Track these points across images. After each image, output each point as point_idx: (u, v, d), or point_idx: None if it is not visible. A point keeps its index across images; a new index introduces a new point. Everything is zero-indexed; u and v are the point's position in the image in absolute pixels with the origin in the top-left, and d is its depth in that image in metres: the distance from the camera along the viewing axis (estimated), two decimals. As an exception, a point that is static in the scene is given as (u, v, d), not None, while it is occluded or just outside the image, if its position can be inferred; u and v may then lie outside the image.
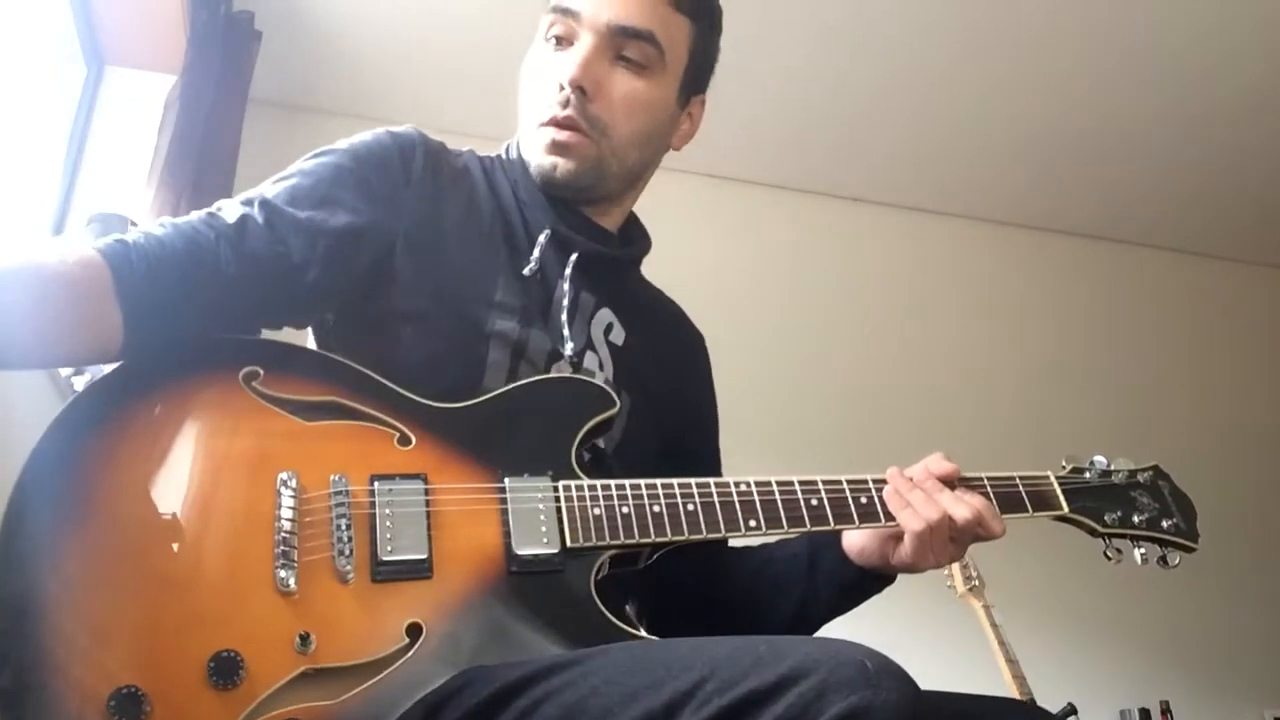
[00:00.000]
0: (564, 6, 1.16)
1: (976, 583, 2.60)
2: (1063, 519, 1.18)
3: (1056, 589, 3.41)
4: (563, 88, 1.14)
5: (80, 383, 2.11)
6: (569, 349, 1.14)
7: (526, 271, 1.15)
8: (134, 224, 2.37)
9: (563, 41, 1.16)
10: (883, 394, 3.72)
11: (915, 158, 3.82)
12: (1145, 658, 3.47)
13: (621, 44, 1.15)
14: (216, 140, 2.74)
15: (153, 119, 2.80)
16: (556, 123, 1.15)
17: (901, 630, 2.54)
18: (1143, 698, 3.34)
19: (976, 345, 3.92)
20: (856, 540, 1.16)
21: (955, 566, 2.65)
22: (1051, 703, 2.45)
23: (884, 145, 3.76)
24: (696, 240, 3.55)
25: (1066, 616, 3.38)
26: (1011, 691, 2.38)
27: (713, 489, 1.05)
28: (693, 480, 1.06)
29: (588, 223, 1.21)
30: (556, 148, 1.16)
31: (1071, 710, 2.50)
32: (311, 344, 1.17)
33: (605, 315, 1.21)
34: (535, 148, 1.17)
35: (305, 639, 0.85)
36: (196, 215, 1.05)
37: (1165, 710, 3.31)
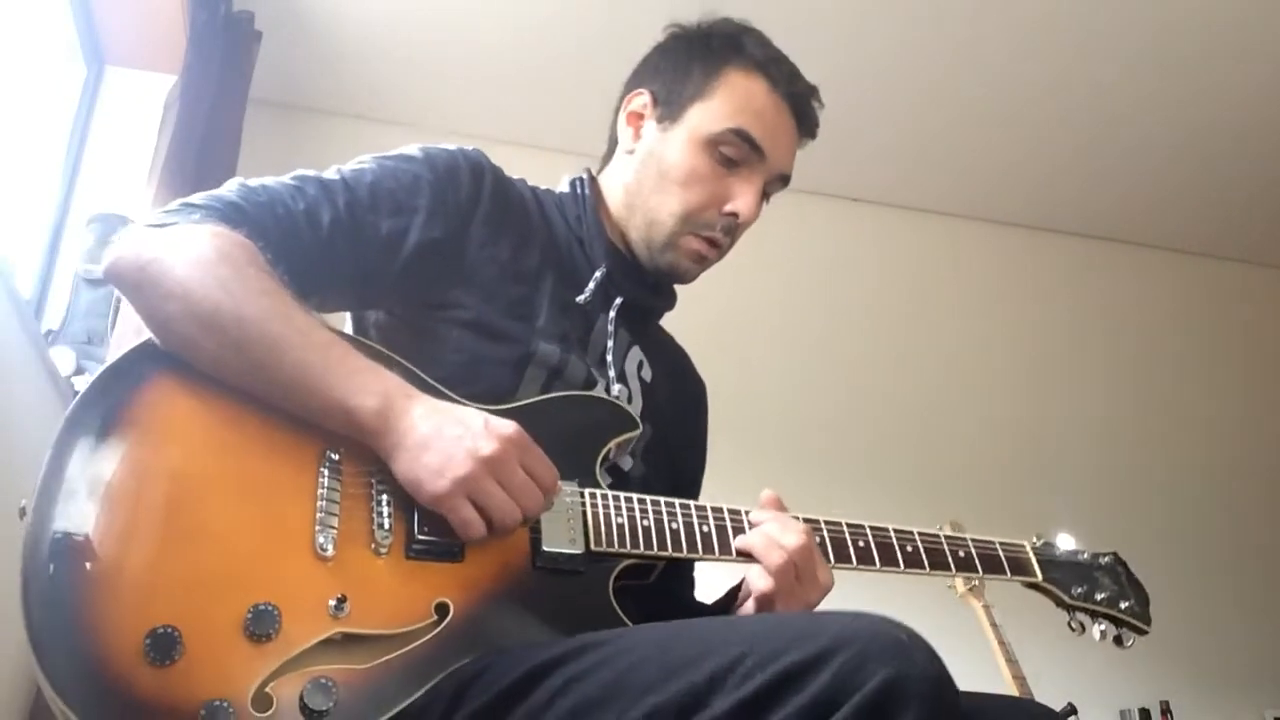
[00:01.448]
0: (755, 142, 1.23)
1: (976, 583, 2.60)
2: (1034, 586, 1.28)
3: (1056, 589, 3.40)
4: (734, 215, 1.24)
5: (80, 382, 2.11)
6: (611, 373, 1.22)
7: (580, 300, 1.23)
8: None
9: (732, 163, 1.23)
10: (881, 393, 3.72)
11: (915, 158, 3.82)
12: (1145, 658, 3.47)
13: (773, 186, 1.29)
14: (216, 140, 2.74)
15: (153, 119, 2.81)
16: (713, 242, 1.26)
17: (901, 630, 2.53)
18: (1143, 698, 3.35)
19: (975, 345, 3.92)
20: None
21: (955, 566, 2.65)
22: (1051, 703, 2.45)
23: (884, 145, 3.76)
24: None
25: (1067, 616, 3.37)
26: (1011, 692, 2.38)
27: (725, 515, 1.11)
28: (707, 504, 1.12)
29: (638, 270, 1.29)
30: (700, 260, 1.27)
31: (1071, 710, 2.50)
32: (348, 327, 1.21)
33: (636, 353, 1.29)
34: (676, 248, 1.25)
35: (341, 603, 0.88)
36: (285, 199, 1.07)
37: (1165, 710, 3.31)
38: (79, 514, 0.85)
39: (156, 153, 2.67)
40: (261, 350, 0.94)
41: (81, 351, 2.21)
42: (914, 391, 3.75)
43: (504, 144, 3.54)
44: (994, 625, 2.53)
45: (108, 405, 0.91)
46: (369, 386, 0.95)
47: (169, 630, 0.81)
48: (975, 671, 2.26)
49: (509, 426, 0.97)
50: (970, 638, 2.55)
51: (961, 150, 3.76)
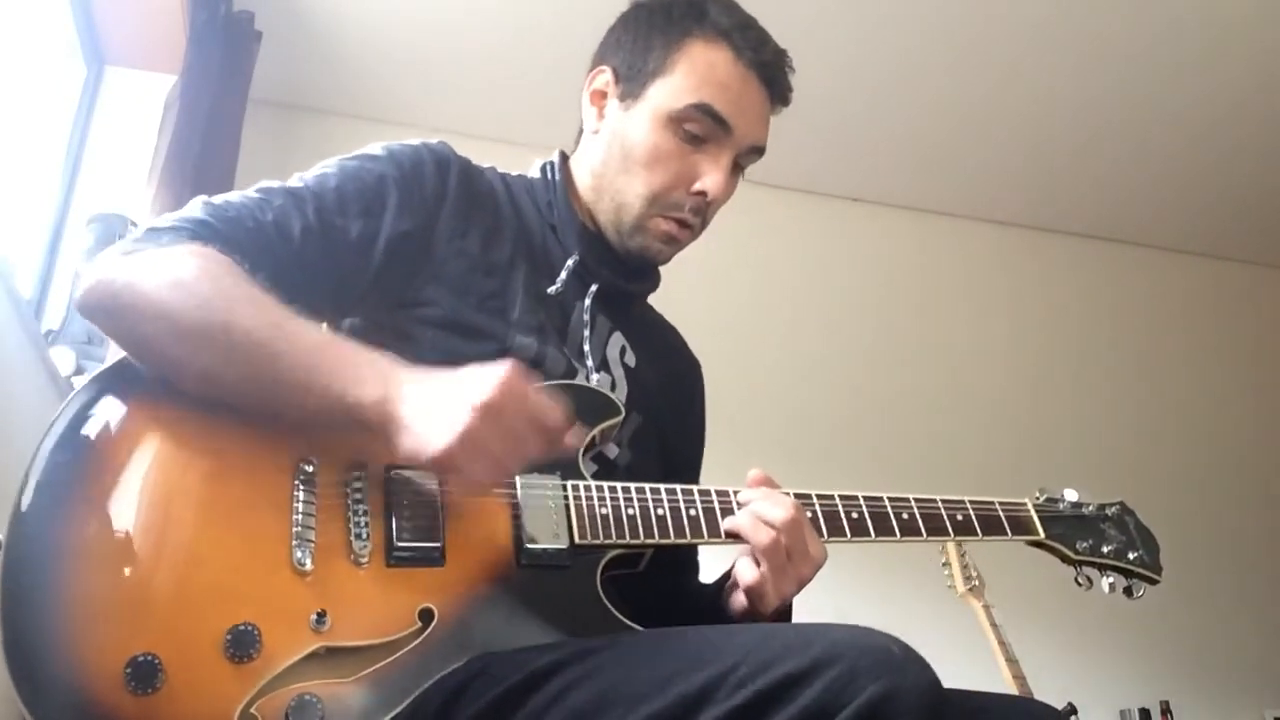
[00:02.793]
0: (720, 117, 1.18)
1: (976, 583, 2.60)
2: (1038, 544, 1.24)
3: (1056, 589, 3.39)
4: (703, 195, 1.20)
5: (79, 382, 2.10)
6: (590, 363, 1.19)
7: (551, 290, 1.20)
8: (134, 224, 2.37)
9: (698, 140, 1.19)
10: (882, 392, 3.72)
11: (915, 158, 3.82)
12: (1145, 658, 3.47)
13: (746, 158, 1.24)
14: (216, 140, 2.74)
15: (153, 119, 2.81)
16: (683, 223, 1.22)
17: (901, 630, 2.52)
18: (1143, 698, 3.34)
19: (975, 344, 3.92)
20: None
21: (955, 566, 2.65)
22: (1051, 703, 2.45)
23: (884, 145, 3.76)
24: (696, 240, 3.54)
25: (1066, 616, 3.37)
26: (1011, 692, 2.38)
27: (714, 497, 1.09)
28: (694, 487, 1.10)
29: (613, 255, 1.25)
30: (671, 241, 1.23)
31: (1071, 710, 2.51)
32: None
33: (618, 339, 1.26)
34: (645, 231, 1.22)
35: (321, 617, 0.87)
36: (254, 211, 1.06)
37: (1165, 710, 3.31)
38: (53, 544, 0.84)
39: (156, 153, 2.67)
40: (254, 359, 0.93)
41: (81, 351, 2.21)
42: (916, 392, 3.75)
43: (504, 144, 3.54)
44: (994, 625, 2.53)
45: (78, 434, 0.90)
46: (367, 378, 0.93)
47: (149, 658, 0.81)
48: (975, 671, 2.26)
49: (502, 370, 0.93)
50: (970, 638, 2.55)
51: (964, 150, 3.76)
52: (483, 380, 0.92)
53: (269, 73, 3.16)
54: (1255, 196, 3.94)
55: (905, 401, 3.72)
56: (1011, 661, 2.47)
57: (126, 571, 0.85)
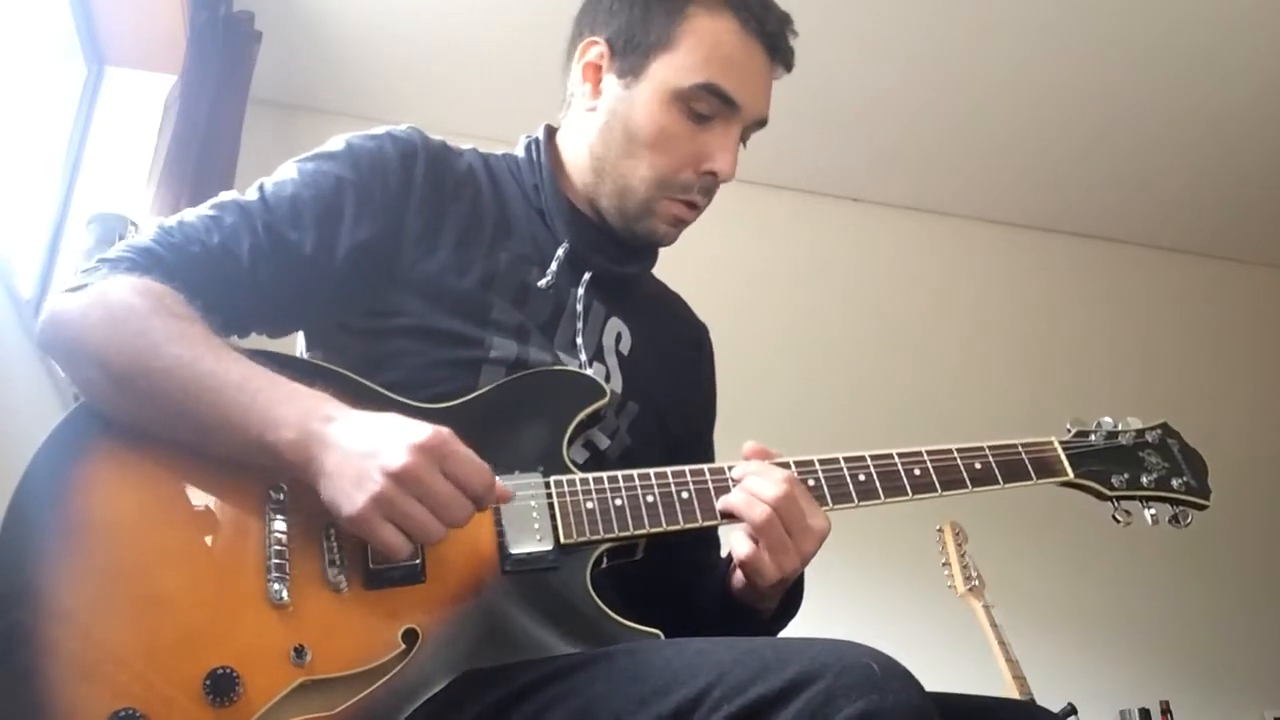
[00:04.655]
0: (727, 95, 1.14)
1: (976, 583, 2.60)
2: (1068, 485, 1.15)
3: (1056, 589, 3.40)
4: (712, 175, 1.16)
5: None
6: (583, 356, 1.14)
7: (542, 284, 1.15)
8: (134, 224, 2.37)
9: (705, 118, 1.14)
10: (882, 393, 3.72)
11: (915, 158, 3.82)
12: (1145, 658, 3.47)
13: (750, 130, 1.20)
14: (216, 140, 2.74)
15: (153, 119, 2.81)
16: (691, 205, 1.18)
17: (901, 630, 2.53)
18: (1143, 698, 3.34)
19: (975, 345, 3.92)
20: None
21: (955, 566, 2.65)
22: (1051, 703, 2.45)
23: (884, 145, 3.76)
24: (696, 239, 3.53)
25: (1066, 616, 3.37)
26: (1011, 691, 2.38)
27: (707, 475, 1.05)
28: (686, 468, 1.05)
29: (606, 239, 1.20)
30: (679, 223, 1.19)
31: (1071, 710, 2.50)
32: (300, 343, 1.17)
33: (615, 324, 1.21)
34: (652, 215, 1.18)
35: (300, 651, 0.85)
36: (201, 235, 1.04)
37: (1165, 710, 3.30)
38: (27, 603, 0.83)
39: (156, 153, 2.68)
40: (175, 400, 0.90)
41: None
42: (916, 393, 3.75)
43: (504, 145, 3.54)
44: (994, 625, 2.53)
45: (48, 485, 0.89)
46: (285, 419, 0.89)
47: (130, 713, 0.80)
48: (975, 671, 2.26)
49: (424, 433, 0.87)
50: (970, 638, 2.55)
51: (964, 151, 3.76)
52: (399, 444, 0.86)
53: (269, 73, 3.15)
54: (1255, 196, 3.94)
55: (906, 402, 3.72)
56: (1011, 661, 2.47)
57: (102, 625, 0.83)
